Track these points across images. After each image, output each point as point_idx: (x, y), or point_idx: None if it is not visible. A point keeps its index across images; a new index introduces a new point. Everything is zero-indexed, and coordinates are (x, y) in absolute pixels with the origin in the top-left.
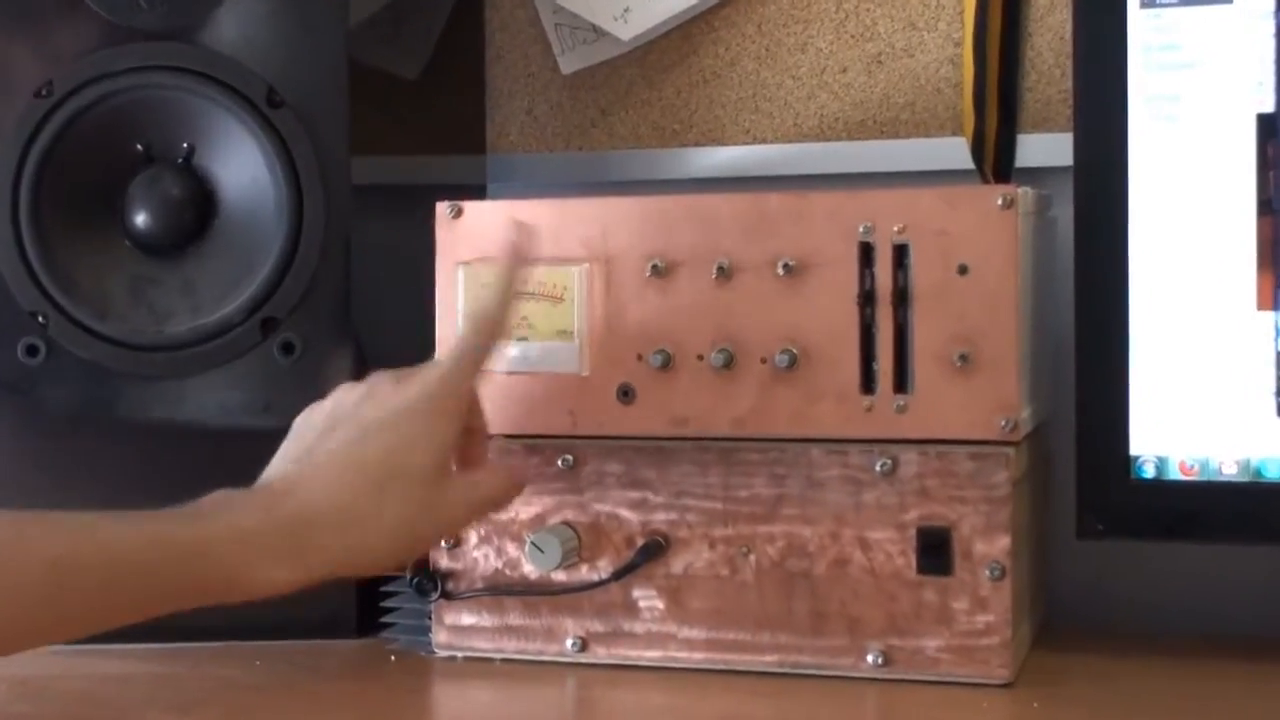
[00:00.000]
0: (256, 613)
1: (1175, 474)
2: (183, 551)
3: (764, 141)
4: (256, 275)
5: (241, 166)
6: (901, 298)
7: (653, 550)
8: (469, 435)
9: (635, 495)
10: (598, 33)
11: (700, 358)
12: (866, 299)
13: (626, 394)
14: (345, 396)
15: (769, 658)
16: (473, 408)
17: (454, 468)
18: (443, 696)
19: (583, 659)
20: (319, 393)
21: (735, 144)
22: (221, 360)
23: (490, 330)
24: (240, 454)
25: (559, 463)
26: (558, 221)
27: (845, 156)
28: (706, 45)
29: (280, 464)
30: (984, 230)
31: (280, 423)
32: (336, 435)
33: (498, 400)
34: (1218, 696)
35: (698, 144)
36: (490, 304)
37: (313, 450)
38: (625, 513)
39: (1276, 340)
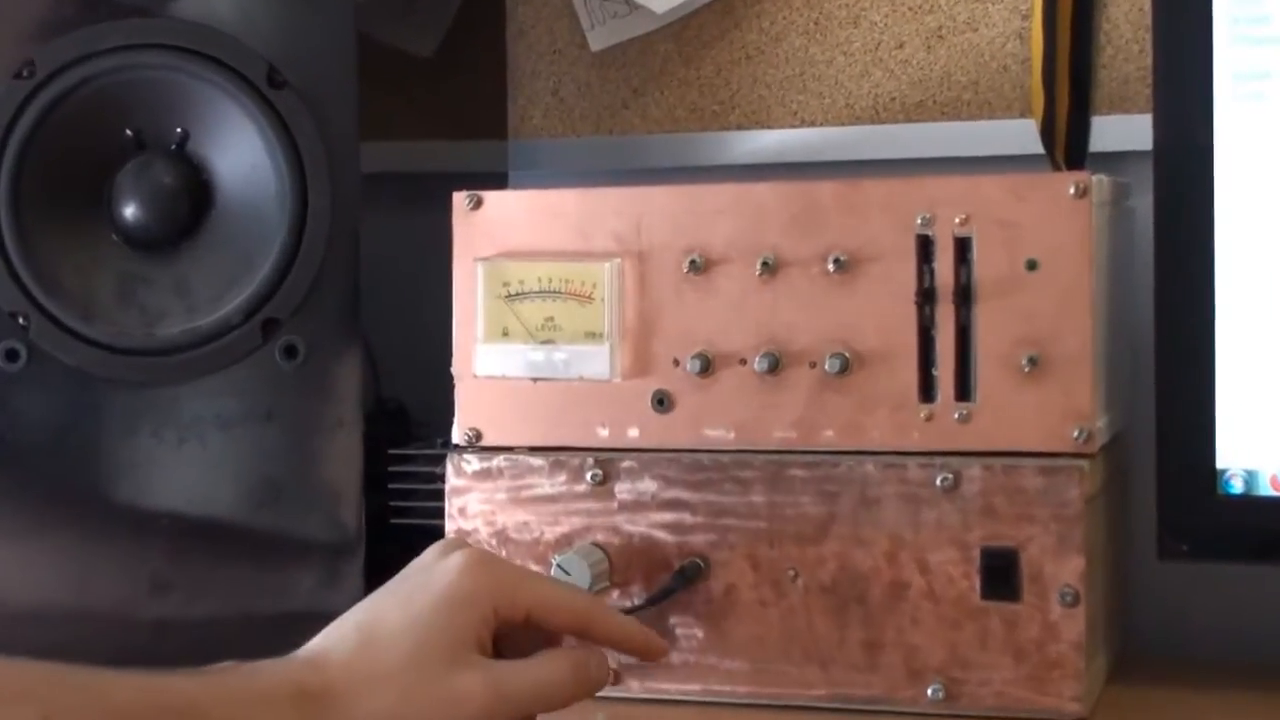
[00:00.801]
0: None
1: (1266, 489)
2: (179, 708)
3: (813, 124)
4: (256, 272)
5: (240, 153)
6: (964, 296)
7: (691, 574)
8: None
9: (671, 514)
10: (630, 5)
11: (743, 362)
12: (925, 297)
13: (662, 402)
14: (423, 559)
15: (818, 691)
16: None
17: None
18: None
19: (615, 693)
20: (324, 400)
21: (781, 127)
22: (218, 365)
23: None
24: (239, 467)
25: (587, 478)
26: (586, 213)
27: (902, 140)
28: (750, 19)
29: (327, 630)
30: (1055, 221)
31: (283, 433)
32: (371, 602)
33: (519, 409)
34: None
35: (740, 127)
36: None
37: (349, 615)
38: (660, 533)
39: None
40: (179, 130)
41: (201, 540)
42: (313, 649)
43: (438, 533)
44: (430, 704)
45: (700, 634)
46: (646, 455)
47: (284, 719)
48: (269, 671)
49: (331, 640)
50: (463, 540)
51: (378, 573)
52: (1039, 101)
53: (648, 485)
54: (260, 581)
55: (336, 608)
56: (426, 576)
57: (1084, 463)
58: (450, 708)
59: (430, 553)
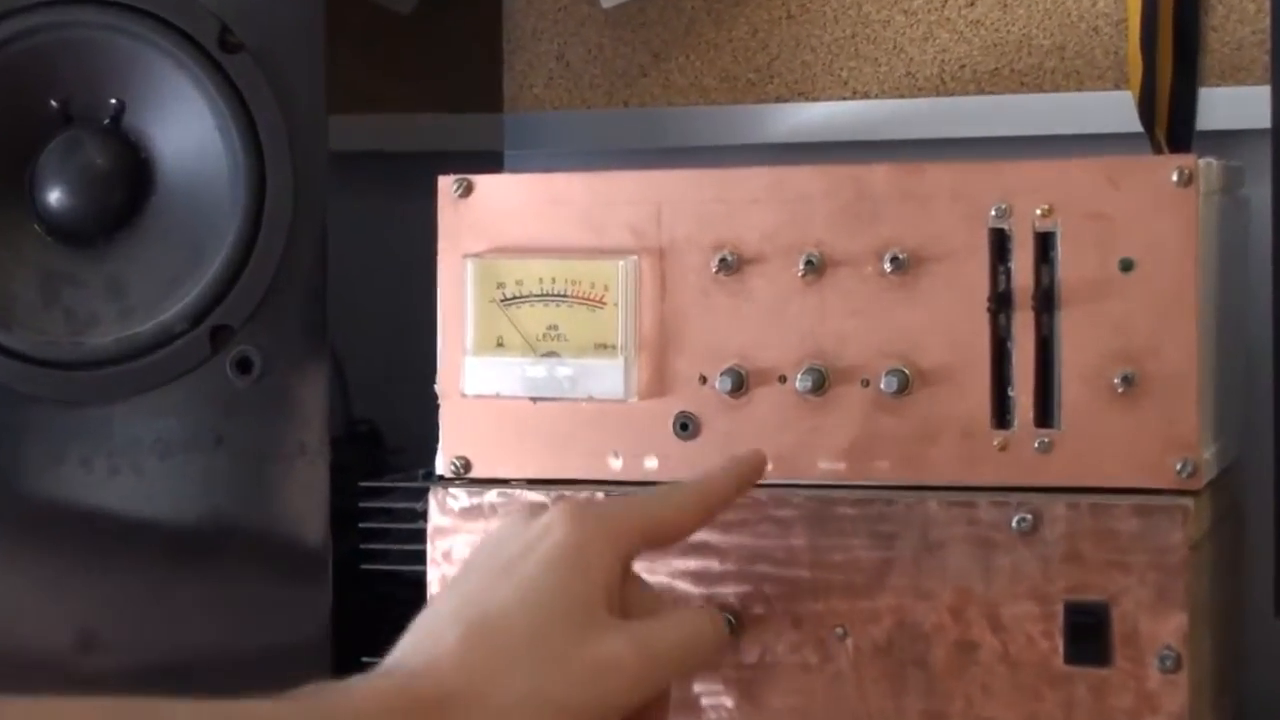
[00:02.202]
0: None
1: None
2: None
3: (866, 96)
4: (204, 271)
5: (185, 129)
6: (1046, 302)
7: None
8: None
9: (696, 561)
10: None
11: (782, 380)
12: (1000, 303)
13: (686, 427)
14: (475, 548)
15: None
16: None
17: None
18: None
19: None
20: (284, 423)
21: (829, 99)
22: (158, 381)
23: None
24: (182, 502)
25: None
26: (597, 200)
27: (973, 116)
28: None
29: (401, 643)
30: (1154, 213)
31: (234, 461)
32: (456, 593)
33: (515, 435)
34: None
35: (780, 99)
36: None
37: (435, 617)
38: (683, 584)
39: None
40: (113, 101)
41: (137, 588)
42: (408, 654)
43: (416, 580)
44: (573, 681)
45: (730, 704)
46: None
47: None
48: (367, 689)
49: (428, 639)
50: (534, 507)
51: (346, 627)
52: (1137, 71)
53: None
54: (207, 636)
55: (298, 668)
56: (523, 542)
57: (1188, 501)
58: (598, 681)
59: (510, 523)
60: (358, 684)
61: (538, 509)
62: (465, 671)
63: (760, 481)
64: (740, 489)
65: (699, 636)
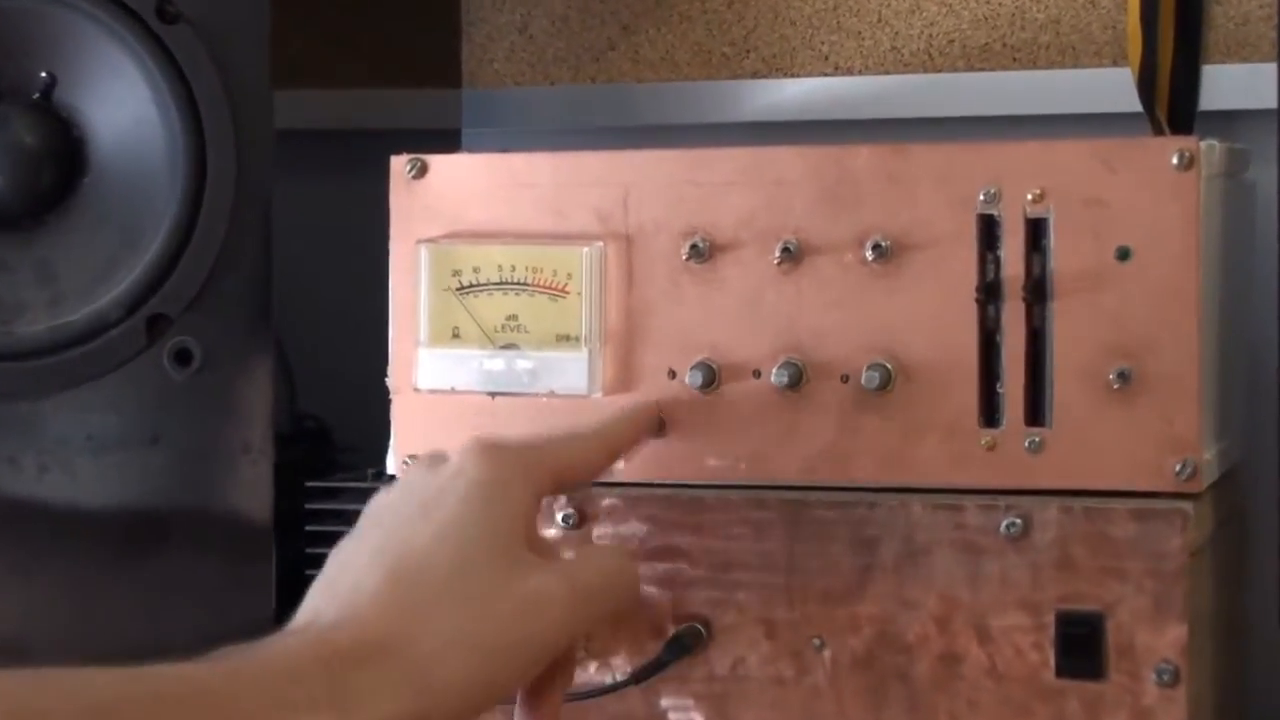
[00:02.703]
0: None
1: None
2: (179, 696)
3: (849, 72)
4: (140, 256)
5: (120, 105)
6: (1038, 292)
7: (688, 642)
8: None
9: (665, 566)
10: None
11: (757, 375)
12: (989, 294)
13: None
14: (376, 500)
15: None
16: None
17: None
18: None
19: None
20: (226, 419)
21: (808, 75)
22: (91, 374)
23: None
24: (116, 503)
25: (558, 520)
26: (561, 182)
27: (961, 94)
28: None
29: (305, 602)
30: (1153, 199)
31: (172, 460)
32: (366, 544)
33: (472, 432)
34: None
35: (756, 75)
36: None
37: (345, 569)
38: (650, 590)
39: None
40: (43, 75)
41: (67, 595)
42: (323, 607)
43: None
44: (502, 619)
45: (700, 718)
46: (633, 491)
47: (315, 691)
48: (287, 644)
49: (345, 589)
50: (437, 452)
51: None
52: (1136, 46)
53: (635, 529)
54: (142, 648)
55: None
56: (435, 484)
57: (1188, 505)
58: (528, 618)
59: (414, 472)
60: (277, 641)
61: (437, 456)
62: (388, 617)
63: (732, 481)
64: (639, 437)
65: (622, 574)
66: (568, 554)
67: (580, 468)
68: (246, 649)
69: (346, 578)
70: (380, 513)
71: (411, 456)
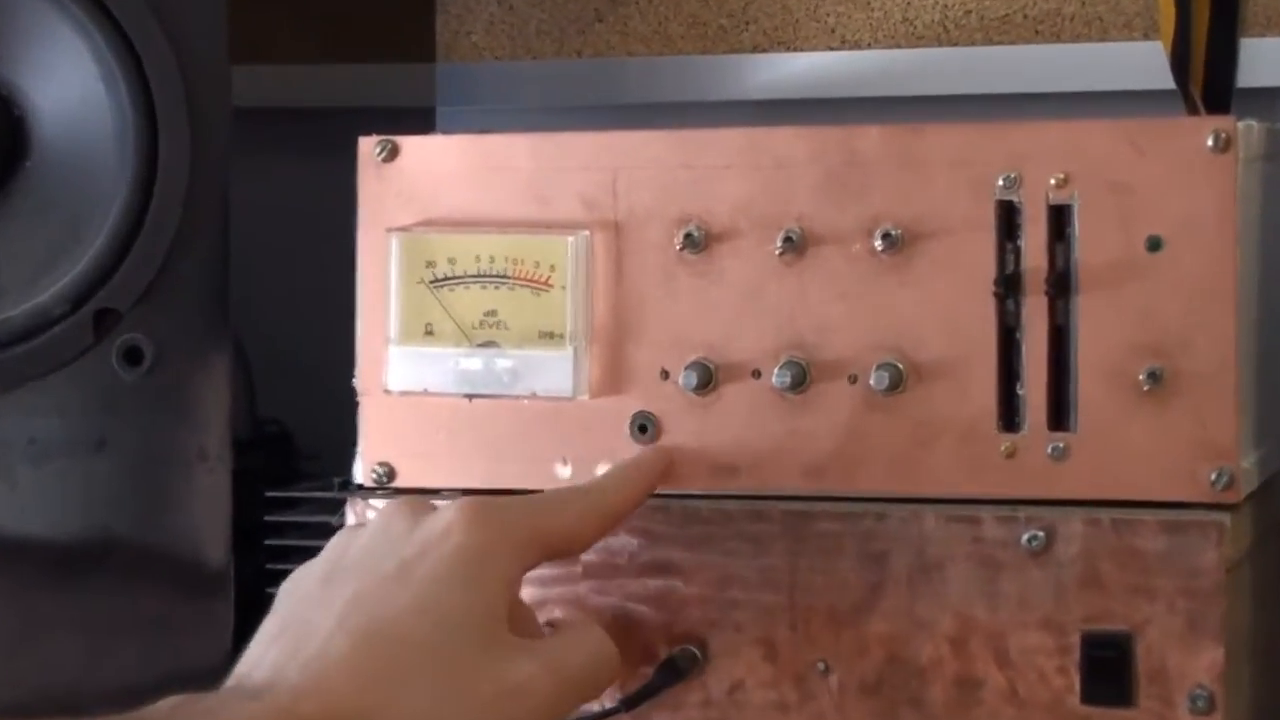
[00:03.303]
0: None
1: None
2: None
3: (857, 46)
4: (86, 246)
5: (65, 82)
6: (1061, 286)
7: (683, 666)
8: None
9: (657, 582)
10: None
11: (757, 375)
12: (1008, 287)
13: (645, 429)
14: (346, 540)
15: None
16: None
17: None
18: None
19: None
20: (179, 423)
21: (813, 49)
22: (33, 373)
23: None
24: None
25: None
26: (544, 166)
27: (979, 70)
28: None
29: (261, 649)
30: (1187, 184)
31: (121, 467)
32: (337, 596)
33: (447, 437)
34: None
35: (757, 49)
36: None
37: (310, 622)
38: (642, 609)
39: None
40: None
41: (7, 615)
42: (284, 666)
43: None
44: (482, 705)
45: None
46: None
47: None
48: (241, 712)
49: (310, 651)
50: (421, 500)
51: None
52: (1169, 17)
53: (624, 543)
54: (89, 671)
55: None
56: (417, 543)
57: (1225, 516)
58: (509, 705)
59: (395, 517)
60: (235, 705)
61: (420, 504)
62: (360, 689)
63: (729, 491)
64: (644, 495)
65: (601, 654)
66: (547, 629)
67: (574, 539)
68: (198, 707)
69: (312, 633)
70: (351, 557)
71: (380, 463)
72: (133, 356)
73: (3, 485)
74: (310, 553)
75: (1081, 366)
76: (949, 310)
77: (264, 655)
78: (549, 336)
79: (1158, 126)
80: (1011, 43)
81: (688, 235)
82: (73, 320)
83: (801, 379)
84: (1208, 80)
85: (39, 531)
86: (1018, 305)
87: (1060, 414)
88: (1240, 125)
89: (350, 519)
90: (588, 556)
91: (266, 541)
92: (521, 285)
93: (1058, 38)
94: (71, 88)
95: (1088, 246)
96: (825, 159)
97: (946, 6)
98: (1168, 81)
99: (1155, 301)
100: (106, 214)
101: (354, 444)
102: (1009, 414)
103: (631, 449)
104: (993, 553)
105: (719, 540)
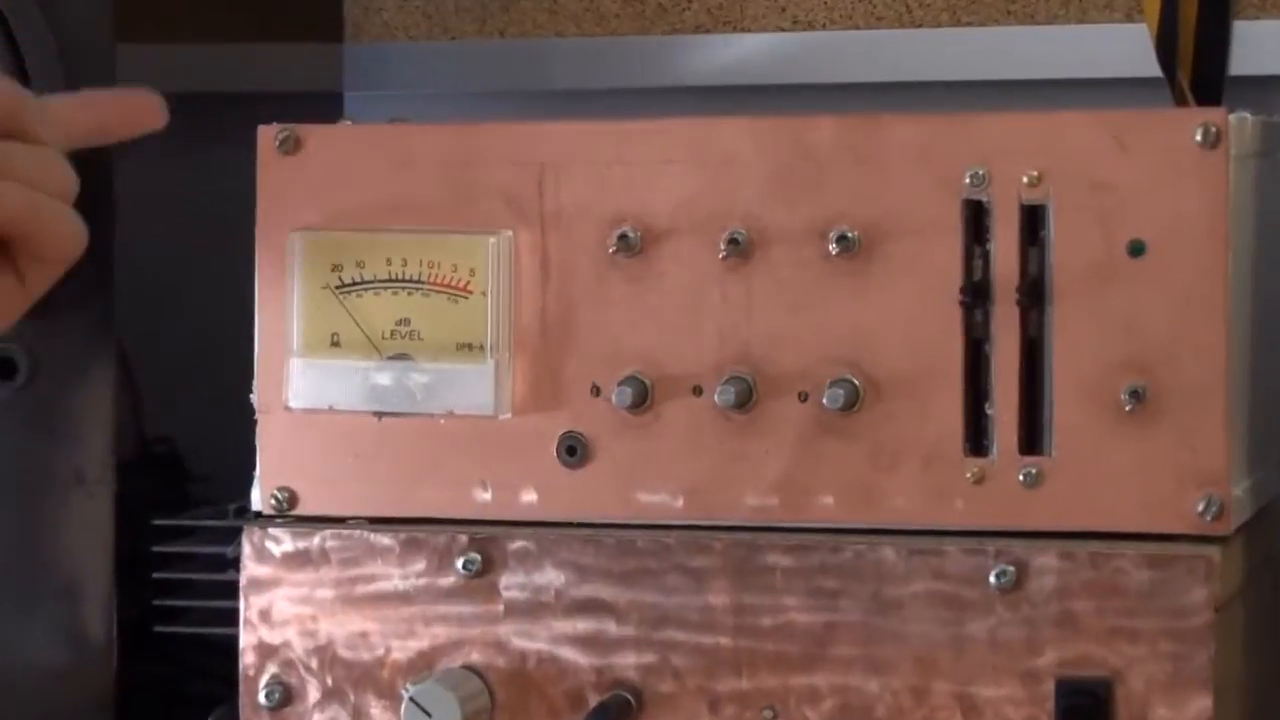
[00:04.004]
0: None
1: None
2: None
3: (810, 26)
4: None
5: None
6: (1034, 294)
7: (614, 714)
8: None
9: (587, 622)
10: None
11: (698, 391)
12: (976, 295)
13: (574, 451)
14: None
15: None
16: None
17: None
18: None
19: None
20: (57, 443)
21: (762, 29)
22: None
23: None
24: None
25: (458, 566)
26: (463, 159)
27: (945, 54)
28: None
29: None
30: (1174, 182)
31: None
32: None
33: (355, 460)
34: None
35: (700, 29)
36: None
37: None
38: (570, 652)
39: None
40: None
41: None
42: None
43: (226, 646)
44: None
45: None
46: (549, 532)
47: None
48: None
49: None
50: None
51: (135, 707)
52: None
53: (550, 577)
54: None
55: None
56: None
57: (1214, 549)
58: None
59: None
60: None
61: None
62: None
63: (668, 521)
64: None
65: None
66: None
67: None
68: None
69: None
70: None
71: (280, 488)
72: (6, 369)
73: None
74: (202, 588)
75: (1057, 383)
76: (910, 321)
77: None
78: (468, 348)
79: (1141, 119)
80: (981, 24)
81: (622, 236)
82: None
83: (747, 396)
84: (1197, 67)
85: None
86: (986, 315)
87: (1033, 436)
88: (1232, 118)
89: (246, 550)
90: (511, 593)
91: (154, 575)
92: (437, 291)
93: (1032, 19)
94: None
95: (1064, 251)
96: (775, 153)
97: None
98: (1153, 68)
99: (1138, 312)
100: None
101: (251, 467)
102: (976, 436)
103: (559, 474)
104: (957, 590)
105: (655, 575)
